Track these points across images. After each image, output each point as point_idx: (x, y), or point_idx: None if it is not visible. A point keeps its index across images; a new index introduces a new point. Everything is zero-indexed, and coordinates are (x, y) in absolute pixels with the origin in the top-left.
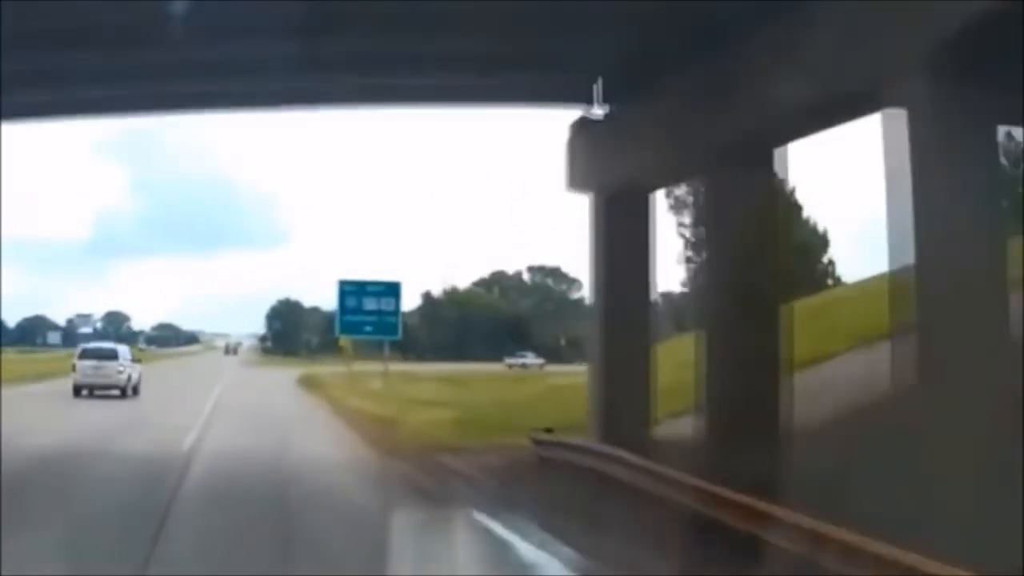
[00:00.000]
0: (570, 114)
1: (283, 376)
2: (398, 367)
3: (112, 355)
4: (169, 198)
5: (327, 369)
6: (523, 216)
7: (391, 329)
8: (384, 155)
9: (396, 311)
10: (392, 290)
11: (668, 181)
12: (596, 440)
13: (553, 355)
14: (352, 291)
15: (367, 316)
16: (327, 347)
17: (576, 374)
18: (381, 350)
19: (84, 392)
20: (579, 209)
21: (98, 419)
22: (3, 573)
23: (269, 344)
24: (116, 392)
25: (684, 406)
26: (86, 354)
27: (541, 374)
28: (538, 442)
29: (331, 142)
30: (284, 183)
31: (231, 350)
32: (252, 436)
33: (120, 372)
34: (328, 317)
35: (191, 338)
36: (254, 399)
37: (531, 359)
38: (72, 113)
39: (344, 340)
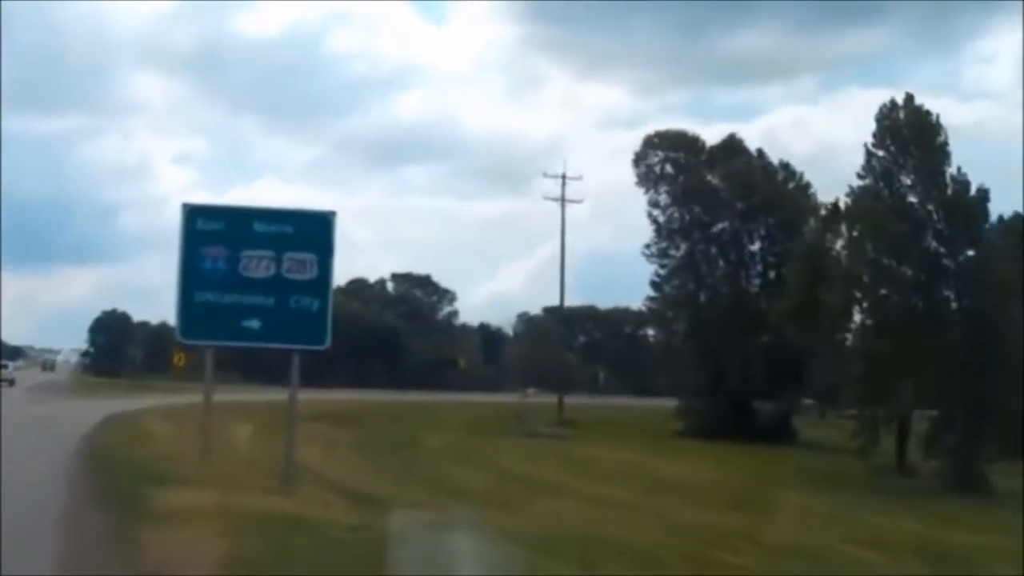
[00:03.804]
0: None
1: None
2: (230, 397)
3: (5, 366)
4: None
5: (150, 403)
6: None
7: (312, 328)
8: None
9: (323, 283)
10: (312, 230)
11: None
12: None
13: (444, 383)
14: (216, 232)
15: (250, 295)
16: (155, 364)
17: None
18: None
19: None
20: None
21: None
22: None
23: (90, 361)
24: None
25: None
26: None
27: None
28: None
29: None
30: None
31: (47, 367)
32: None
33: (9, 374)
34: (155, 332)
35: (16, 353)
36: None
37: None
38: None
39: (181, 356)
